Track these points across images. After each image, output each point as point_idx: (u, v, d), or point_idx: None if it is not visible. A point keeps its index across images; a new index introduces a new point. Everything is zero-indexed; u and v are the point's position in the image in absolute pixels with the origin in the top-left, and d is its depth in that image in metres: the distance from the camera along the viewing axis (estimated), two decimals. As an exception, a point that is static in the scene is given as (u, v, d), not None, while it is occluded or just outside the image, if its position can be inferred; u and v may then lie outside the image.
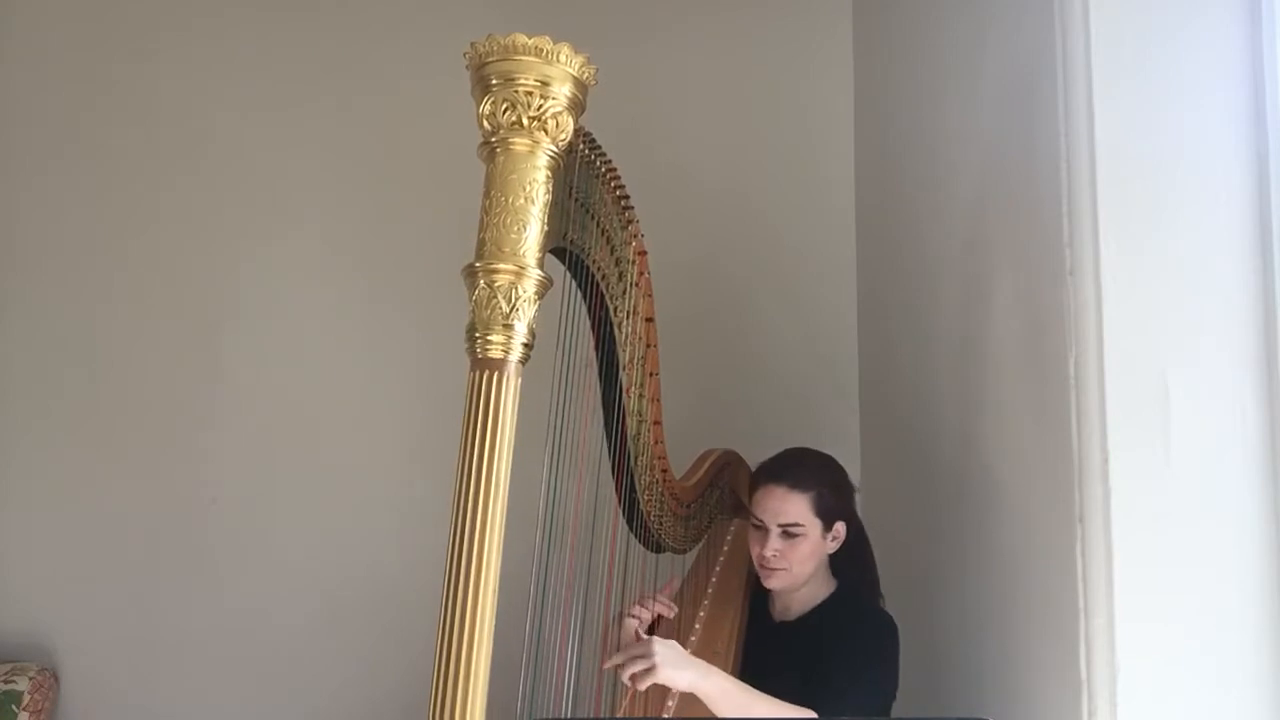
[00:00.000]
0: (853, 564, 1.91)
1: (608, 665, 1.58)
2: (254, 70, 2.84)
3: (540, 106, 1.33)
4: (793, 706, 1.60)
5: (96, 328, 2.76)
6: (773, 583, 1.84)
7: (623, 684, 1.60)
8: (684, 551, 2.02)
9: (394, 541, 2.66)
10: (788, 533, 1.79)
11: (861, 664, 1.72)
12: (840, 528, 1.84)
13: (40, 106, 2.81)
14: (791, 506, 1.79)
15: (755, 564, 1.85)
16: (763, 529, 1.82)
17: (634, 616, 1.77)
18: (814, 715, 1.60)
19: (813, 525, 1.80)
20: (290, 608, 2.68)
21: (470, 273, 1.33)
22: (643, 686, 1.54)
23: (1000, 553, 1.84)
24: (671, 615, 1.81)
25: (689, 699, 1.63)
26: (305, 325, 2.78)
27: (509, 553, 1.30)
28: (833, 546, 1.84)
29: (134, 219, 2.79)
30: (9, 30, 2.82)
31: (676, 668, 1.55)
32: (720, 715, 1.58)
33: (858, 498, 1.94)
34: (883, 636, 1.77)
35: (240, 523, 2.71)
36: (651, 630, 1.81)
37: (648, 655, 1.53)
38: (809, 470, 1.83)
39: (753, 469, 1.97)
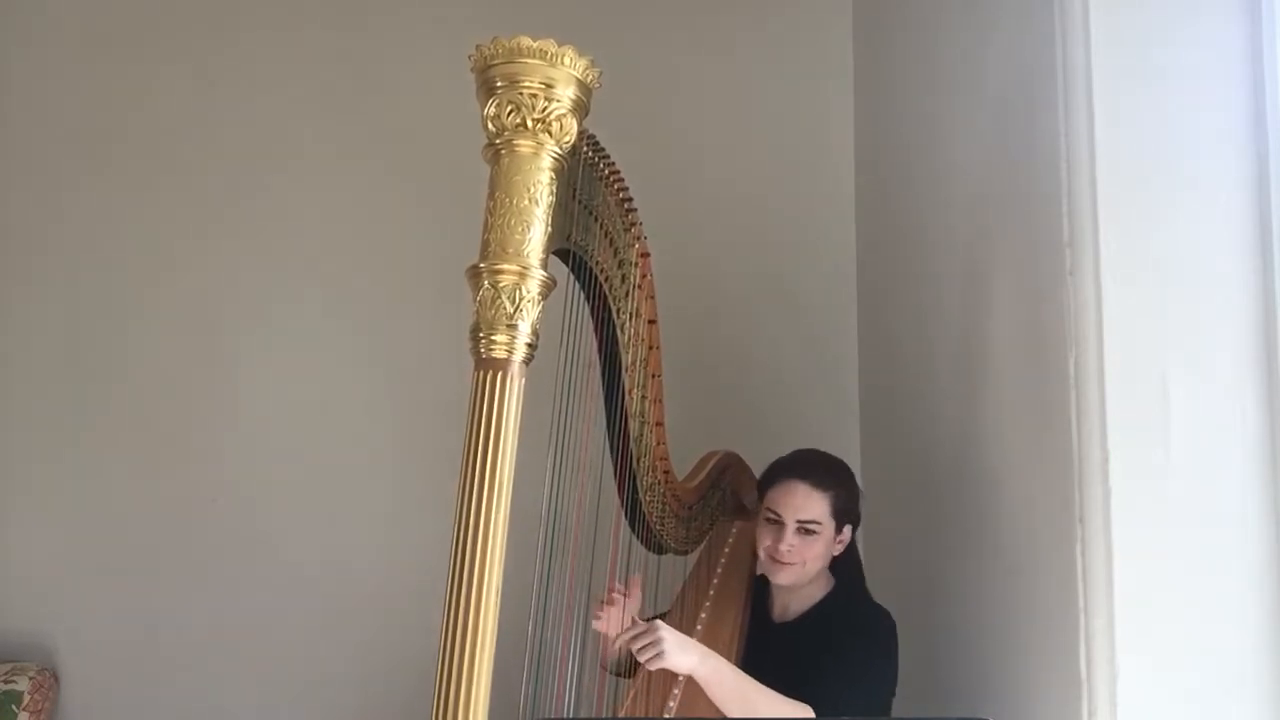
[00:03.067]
0: (846, 564, 1.92)
1: (616, 642, 1.61)
2: (256, 71, 2.84)
3: (544, 109, 1.33)
4: (788, 700, 1.62)
5: (97, 328, 2.76)
6: (782, 577, 1.85)
7: (625, 684, 1.61)
8: (686, 553, 2.02)
9: (396, 541, 2.66)
10: (806, 529, 1.80)
11: (861, 661, 1.73)
12: (848, 532, 1.87)
13: (40, 107, 2.80)
14: (814, 505, 1.81)
15: (764, 557, 1.85)
16: (778, 523, 1.82)
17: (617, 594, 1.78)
18: (808, 710, 1.61)
19: (828, 525, 1.82)
20: (291, 608, 2.68)
21: (474, 273, 1.34)
22: (651, 667, 1.58)
23: (1000, 553, 1.85)
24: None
25: (689, 700, 1.64)
26: (308, 325, 2.78)
27: (511, 552, 1.30)
28: (838, 549, 1.86)
29: (134, 219, 2.79)
30: (9, 31, 2.81)
31: (680, 652, 1.59)
32: (717, 699, 1.61)
33: (857, 498, 1.95)
34: (881, 633, 1.78)
35: (240, 523, 2.71)
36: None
37: (656, 643, 1.57)
38: (831, 471, 1.86)
39: (754, 470, 1.98)
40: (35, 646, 2.65)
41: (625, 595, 1.78)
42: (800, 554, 1.81)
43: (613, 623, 1.75)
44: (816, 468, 1.86)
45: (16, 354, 2.74)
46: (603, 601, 1.76)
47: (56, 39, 2.83)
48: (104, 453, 2.72)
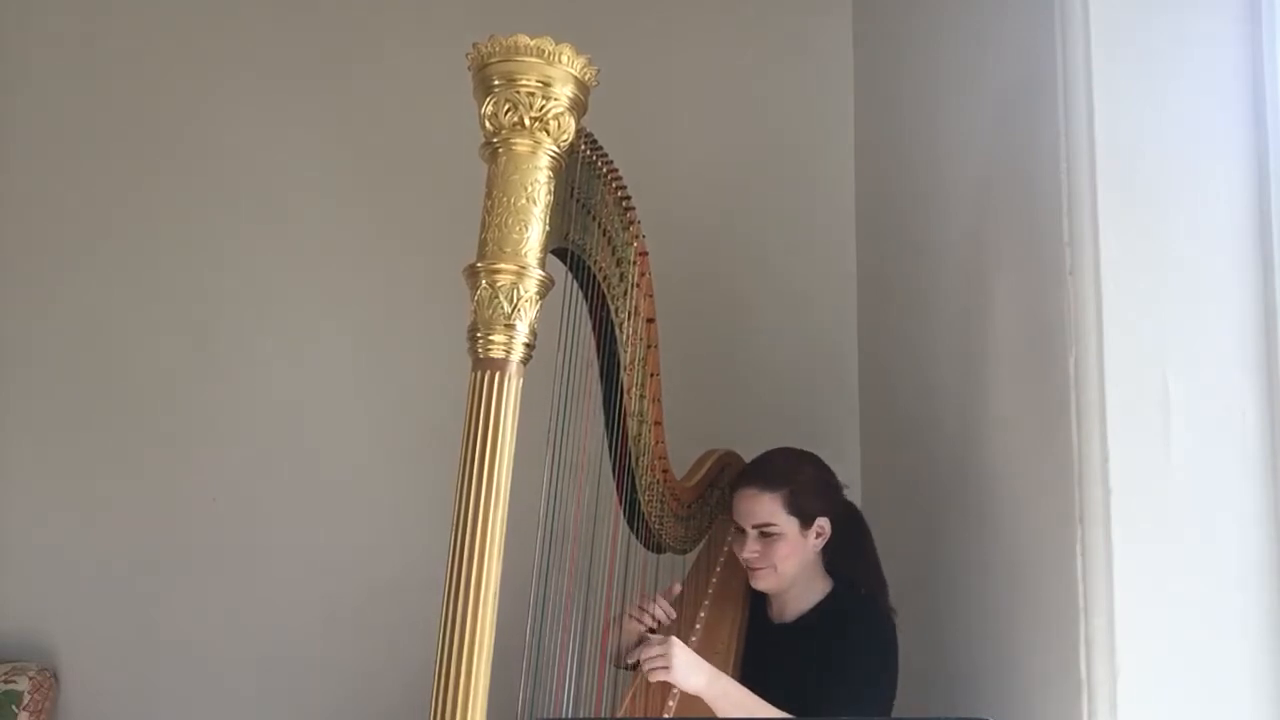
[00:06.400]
0: (851, 560, 1.91)
1: (631, 660, 1.61)
2: (254, 70, 2.83)
3: (542, 107, 1.34)
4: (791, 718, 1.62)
5: (96, 328, 2.75)
6: (760, 584, 1.86)
7: (625, 684, 1.61)
8: (685, 552, 2.02)
9: (395, 541, 2.66)
10: (764, 533, 1.81)
11: (858, 666, 1.73)
12: (823, 524, 1.84)
13: (38, 107, 2.80)
14: (761, 507, 1.81)
15: (744, 567, 1.87)
16: (743, 531, 1.84)
17: (635, 619, 1.78)
18: None
19: (787, 523, 1.80)
20: (290, 608, 2.68)
21: (472, 273, 1.34)
22: (654, 679, 1.58)
23: (1000, 553, 1.84)
24: (669, 621, 1.82)
25: (688, 700, 1.64)
26: (306, 325, 2.78)
27: (510, 551, 1.30)
28: (817, 544, 1.84)
29: (133, 219, 2.78)
30: (7, 35, 2.81)
31: (690, 672, 1.59)
32: (721, 717, 1.60)
33: (858, 497, 1.94)
34: (878, 639, 1.77)
35: (240, 523, 2.70)
36: (653, 631, 1.81)
37: (666, 656, 1.57)
38: (779, 470, 1.84)
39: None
40: (35, 646, 2.65)
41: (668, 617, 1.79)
42: (766, 558, 1.81)
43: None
44: (766, 469, 1.85)
45: (16, 354, 2.74)
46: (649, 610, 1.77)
47: (55, 41, 2.82)
48: (104, 453, 2.72)
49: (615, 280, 1.59)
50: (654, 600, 1.79)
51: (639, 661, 1.61)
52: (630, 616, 1.78)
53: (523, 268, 1.32)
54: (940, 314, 2.21)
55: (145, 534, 2.70)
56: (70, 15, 2.83)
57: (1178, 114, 1.54)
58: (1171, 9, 1.55)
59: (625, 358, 1.63)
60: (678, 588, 1.84)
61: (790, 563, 1.82)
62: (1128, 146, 1.53)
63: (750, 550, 1.82)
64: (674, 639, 1.60)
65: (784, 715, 1.62)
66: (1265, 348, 1.50)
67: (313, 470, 2.73)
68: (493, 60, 1.34)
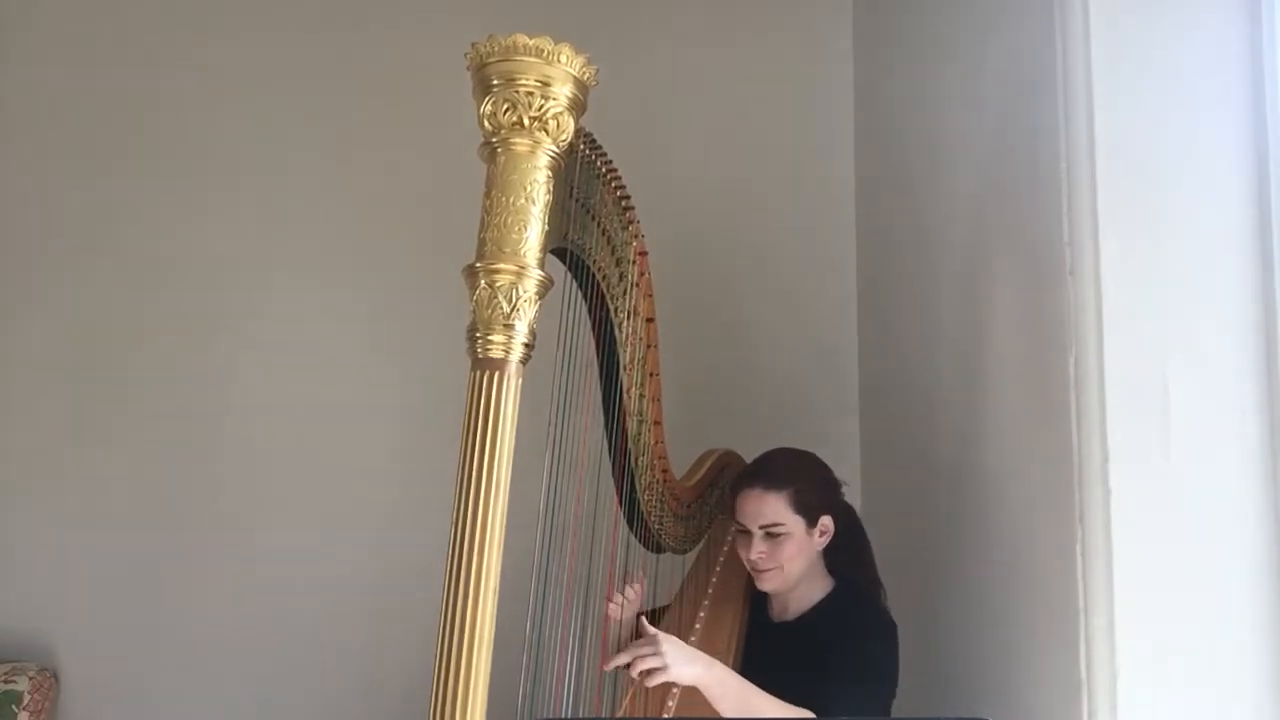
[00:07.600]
0: (848, 559, 1.91)
1: (611, 666, 1.58)
2: (253, 70, 2.84)
3: (541, 107, 1.33)
4: (791, 706, 1.61)
5: (96, 328, 2.76)
6: (766, 585, 1.85)
7: (624, 683, 1.61)
8: (684, 552, 2.02)
9: (394, 542, 2.66)
10: (770, 533, 1.80)
11: (858, 665, 1.72)
12: (826, 522, 1.84)
13: (39, 108, 2.81)
14: (768, 507, 1.80)
15: (748, 568, 1.86)
16: (747, 533, 1.83)
17: (615, 604, 1.80)
18: (812, 716, 1.60)
19: (794, 523, 1.80)
20: (290, 608, 2.68)
21: (471, 273, 1.34)
22: (651, 683, 1.55)
23: (1000, 553, 1.84)
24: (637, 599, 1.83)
25: (689, 697, 1.63)
26: (306, 325, 2.78)
27: (509, 552, 1.30)
28: (822, 542, 1.85)
29: (134, 220, 2.79)
30: (8, 32, 2.82)
31: (683, 664, 1.56)
32: (720, 708, 1.59)
33: (858, 497, 1.94)
34: (880, 637, 1.77)
35: (240, 523, 2.71)
36: (654, 624, 1.81)
37: (657, 654, 1.54)
38: (782, 469, 1.84)
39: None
40: (35, 646, 2.65)
41: (627, 600, 1.80)
42: (774, 558, 1.81)
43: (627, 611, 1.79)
44: (770, 469, 1.85)
45: (17, 355, 2.75)
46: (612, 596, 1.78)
47: (54, 40, 2.83)
48: (104, 453, 2.72)
49: (615, 280, 1.59)
50: (621, 590, 1.81)
51: (630, 664, 1.56)
52: (610, 601, 1.79)
53: (522, 268, 1.32)
54: (940, 314, 2.21)
55: (145, 534, 2.70)
56: (70, 13, 2.83)
57: (1178, 114, 1.54)
58: (1171, 9, 1.55)
59: (625, 357, 1.63)
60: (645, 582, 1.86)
61: (797, 562, 1.82)
62: (1128, 146, 1.53)
63: (757, 551, 1.81)
64: (660, 633, 1.58)
65: (782, 703, 1.61)
66: (1265, 348, 1.50)
67: (312, 470, 2.73)
68: (491, 60, 1.34)
